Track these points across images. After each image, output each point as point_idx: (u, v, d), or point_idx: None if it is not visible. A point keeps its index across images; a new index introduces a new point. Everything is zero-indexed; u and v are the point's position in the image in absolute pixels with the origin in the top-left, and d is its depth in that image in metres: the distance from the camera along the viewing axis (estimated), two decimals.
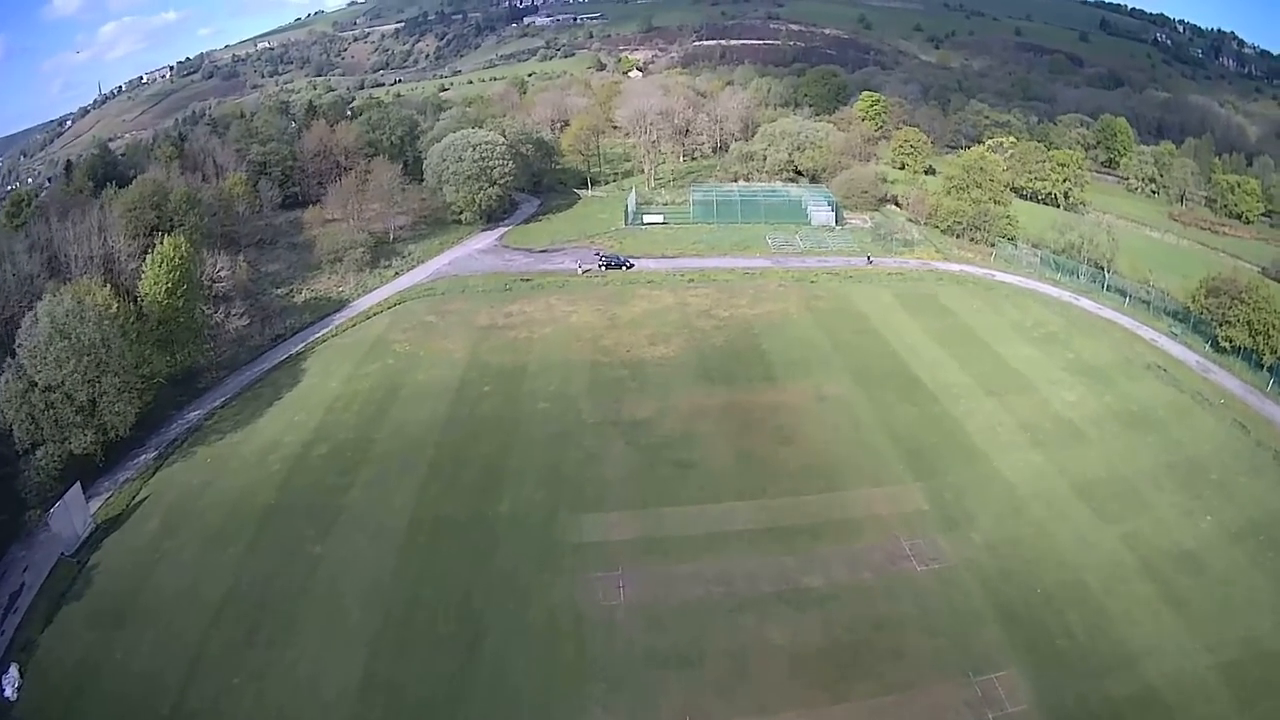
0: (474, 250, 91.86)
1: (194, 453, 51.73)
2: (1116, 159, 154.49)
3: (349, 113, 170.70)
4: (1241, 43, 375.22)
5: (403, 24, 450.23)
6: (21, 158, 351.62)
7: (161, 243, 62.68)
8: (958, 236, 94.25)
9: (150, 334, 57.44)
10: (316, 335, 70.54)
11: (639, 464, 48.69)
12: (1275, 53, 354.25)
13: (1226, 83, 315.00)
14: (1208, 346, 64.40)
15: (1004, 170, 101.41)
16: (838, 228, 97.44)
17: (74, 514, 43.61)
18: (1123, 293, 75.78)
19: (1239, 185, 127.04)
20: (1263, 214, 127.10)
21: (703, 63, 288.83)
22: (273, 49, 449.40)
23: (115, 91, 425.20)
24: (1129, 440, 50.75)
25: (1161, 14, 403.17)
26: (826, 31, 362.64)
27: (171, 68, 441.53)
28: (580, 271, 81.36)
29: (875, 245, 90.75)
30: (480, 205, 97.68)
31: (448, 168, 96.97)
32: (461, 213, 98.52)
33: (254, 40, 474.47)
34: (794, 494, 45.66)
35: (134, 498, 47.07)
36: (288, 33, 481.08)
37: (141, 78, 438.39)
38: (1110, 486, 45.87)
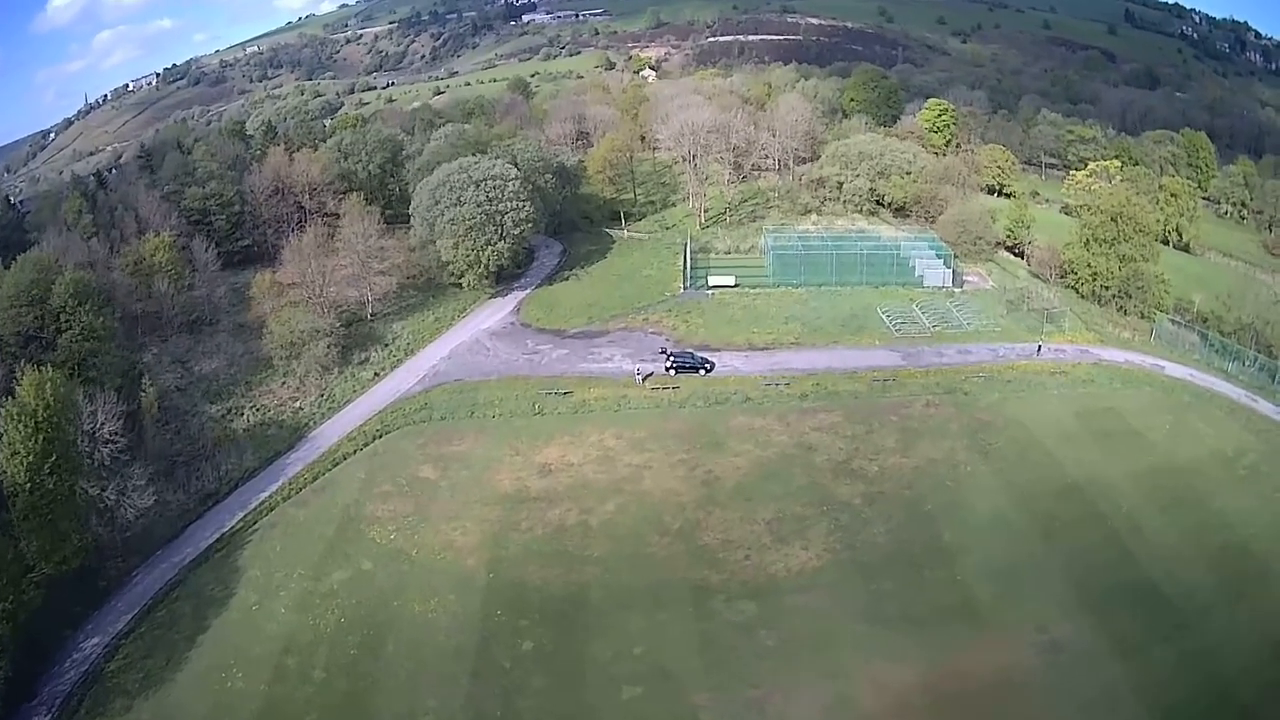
0: (482, 331, 68.39)
1: None
2: (1203, 180, 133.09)
3: (324, 126, 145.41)
4: (1259, 35, 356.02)
5: (395, 24, 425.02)
6: (5, 174, 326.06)
7: (22, 382, 41.13)
8: (1102, 304, 72.91)
9: (20, 523, 39.97)
10: (263, 496, 48.99)
11: None
12: None
13: (1257, 80, 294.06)
14: None
15: (1155, 218, 78.74)
16: (958, 291, 74.01)
17: None
18: None
19: None
20: None
21: (720, 60, 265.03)
22: (261, 53, 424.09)
23: (100, 101, 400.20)
24: None
25: (1178, 4, 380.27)
26: (848, 25, 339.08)
27: (158, 74, 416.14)
28: (639, 379, 57.59)
29: (1011, 320, 68.08)
30: (487, 265, 73.24)
31: (442, 213, 72.10)
32: (462, 275, 74.03)
33: (242, 45, 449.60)
34: None
35: None
36: (278, 36, 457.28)
37: (127, 86, 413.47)
38: None
